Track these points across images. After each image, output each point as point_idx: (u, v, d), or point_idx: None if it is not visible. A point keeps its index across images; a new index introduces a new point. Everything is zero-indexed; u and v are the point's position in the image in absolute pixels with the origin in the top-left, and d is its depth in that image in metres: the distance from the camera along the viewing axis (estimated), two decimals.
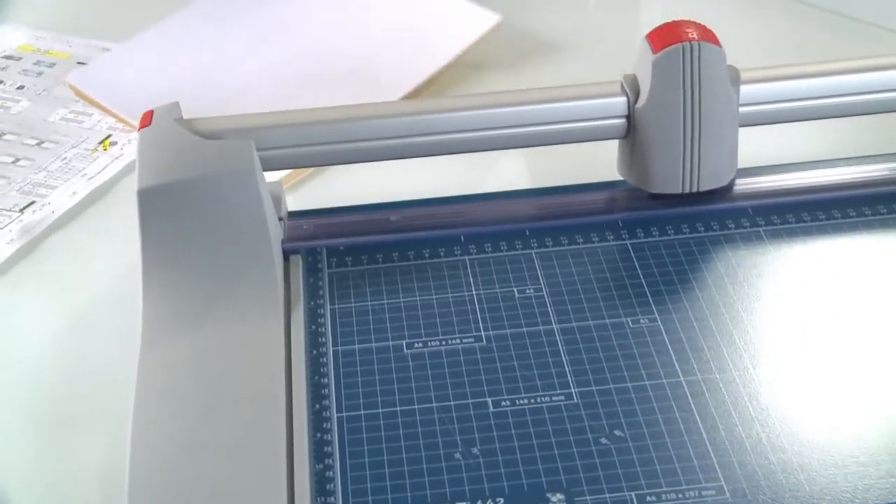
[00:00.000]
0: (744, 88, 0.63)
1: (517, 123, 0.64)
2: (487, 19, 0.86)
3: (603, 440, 0.52)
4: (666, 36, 0.63)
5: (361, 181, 0.71)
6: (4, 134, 0.80)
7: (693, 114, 0.62)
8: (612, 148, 0.66)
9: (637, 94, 0.63)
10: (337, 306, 0.60)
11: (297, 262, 0.62)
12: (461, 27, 0.86)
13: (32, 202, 0.73)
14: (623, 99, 0.64)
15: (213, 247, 0.59)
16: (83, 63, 0.87)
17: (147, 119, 0.63)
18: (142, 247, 0.59)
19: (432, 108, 0.63)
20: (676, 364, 0.55)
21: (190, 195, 0.59)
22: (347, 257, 0.63)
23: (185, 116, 0.63)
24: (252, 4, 0.90)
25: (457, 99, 0.64)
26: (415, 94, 0.80)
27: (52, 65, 0.88)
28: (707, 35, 0.62)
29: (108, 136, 0.79)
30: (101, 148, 0.78)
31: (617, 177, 0.66)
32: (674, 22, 0.63)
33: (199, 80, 0.82)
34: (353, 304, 0.60)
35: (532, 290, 0.60)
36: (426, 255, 0.63)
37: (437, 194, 0.70)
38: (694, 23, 0.63)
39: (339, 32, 0.87)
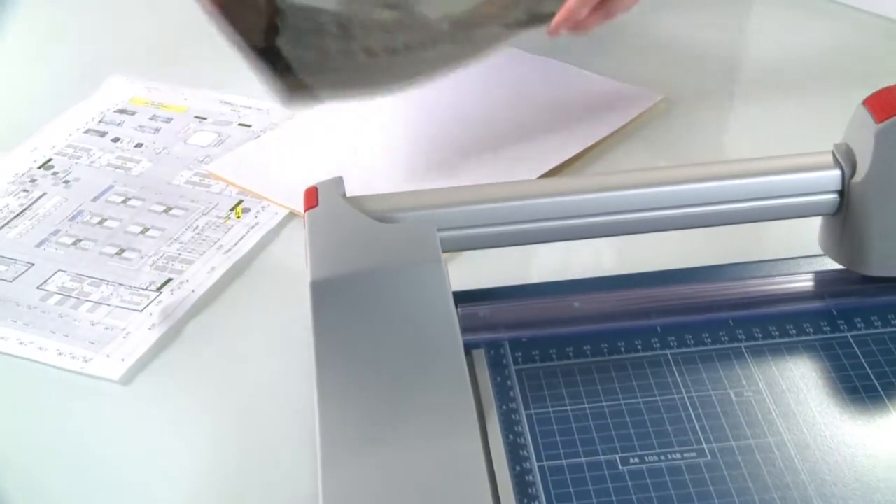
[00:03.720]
0: None
1: (715, 200, 0.58)
2: (648, 97, 0.81)
3: None
4: (890, 103, 0.56)
5: (507, 253, 0.66)
6: (129, 199, 0.74)
7: None
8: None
9: (853, 167, 0.57)
10: (533, 411, 0.53)
11: (481, 358, 0.56)
12: (622, 105, 0.81)
13: (169, 279, 0.67)
14: (837, 172, 0.58)
15: (394, 345, 0.53)
16: (201, 117, 0.82)
17: (313, 197, 0.57)
18: (315, 344, 0.53)
19: (628, 184, 0.57)
20: None
21: (369, 287, 0.54)
22: (533, 351, 0.57)
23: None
24: None
25: (652, 173, 0.58)
26: (567, 166, 0.75)
27: (168, 119, 0.83)
28: None
29: (240, 201, 0.73)
30: (233, 215, 0.72)
31: (811, 250, 0.61)
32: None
33: (343, 160, 0.77)
34: (550, 409, 0.53)
35: (751, 393, 0.54)
36: (621, 348, 0.57)
37: (601, 269, 0.64)
38: None
39: (487, 106, 0.82)
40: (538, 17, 0.78)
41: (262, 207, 0.73)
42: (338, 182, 0.58)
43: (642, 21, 0.95)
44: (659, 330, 0.57)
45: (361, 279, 0.54)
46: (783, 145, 0.76)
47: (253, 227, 0.71)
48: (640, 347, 0.57)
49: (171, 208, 0.73)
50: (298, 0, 0.77)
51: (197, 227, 0.71)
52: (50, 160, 0.78)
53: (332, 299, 0.54)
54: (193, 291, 0.66)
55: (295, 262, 0.68)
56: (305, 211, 0.57)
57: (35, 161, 0.78)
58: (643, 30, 0.93)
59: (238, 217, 0.72)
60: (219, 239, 0.70)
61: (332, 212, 0.56)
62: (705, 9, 0.95)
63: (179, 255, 0.69)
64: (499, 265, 0.65)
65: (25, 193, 0.75)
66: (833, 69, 0.85)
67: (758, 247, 0.66)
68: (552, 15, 0.75)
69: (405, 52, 0.78)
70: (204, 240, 0.70)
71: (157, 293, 0.66)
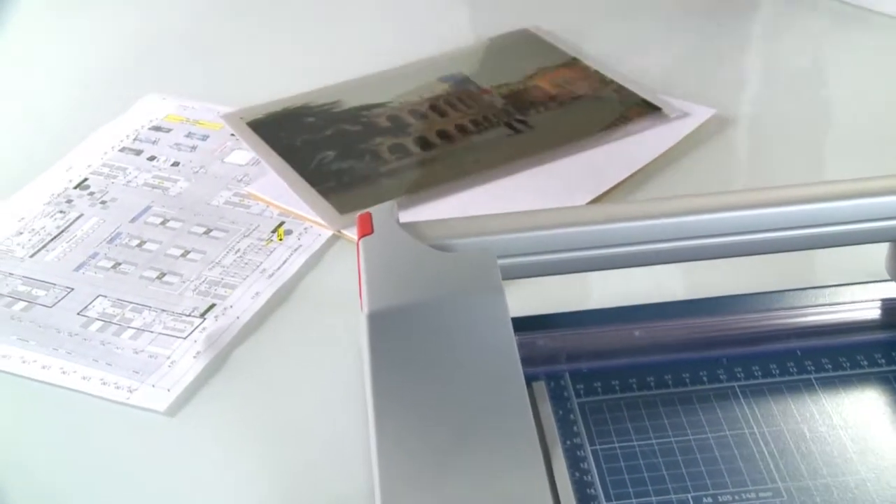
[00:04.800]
0: None
1: (779, 226, 0.56)
2: (700, 114, 0.79)
3: None
4: None
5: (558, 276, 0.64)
6: (168, 220, 0.73)
7: None
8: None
9: None
10: (599, 447, 0.52)
11: (542, 391, 0.55)
12: (672, 123, 0.79)
13: (212, 305, 0.65)
14: None
15: (453, 378, 0.51)
16: (237, 135, 0.80)
17: (367, 224, 0.55)
18: (372, 377, 0.51)
19: (694, 209, 0.55)
20: None
21: (427, 318, 0.52)
22: (595, 383, 0.55)
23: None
24: None
25: (717, 198, 0.56)
26: (617, 188, 0.73)
27: (204, 137, 0.81)
28: None
29: (282, 223, 0.72)
30: (275, 237, 0.71)
31: (874, 276, 0.59)
32: None
33: None
34: (616, 445, 0.52)
35: (825, 428, 0.52)
36: (686, 380, 0.55)
37: (659, 294, 0.62)
38: None
39: None
40: None
41: (305, 229, 0.71)
42: (391, 207, 0.57)
43: (686, 28, 0.93)
44: (724, 361, 0.56)
45: (419, 310, 0.52)
46: (846, 166, 0.74)
47: (296, 249, 0.69)
48: (705, 379, 0.55)
49: (211, 230, 0.72)
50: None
51: (238, 250, 0.70)
52: (86, 180, 0.77)
53: (389, 331, 0.52)
54: (238, 318, 0.64)
55: (340, 286, 0.67)
56: (360, 238, 0.55)
57: (70, 181, 0.77)
58: (689, 38, 0.92)
59: (280, 239, 0.70)
60: (261, 262, 0.68)
61: (388, 239, 0.54)
62: (758, 17, 0.94)
63: (222, 279, 0.67)
64: (550, 289, 0.63)
65: (62, 215, 0.73)
66: None
67: (820, 271, 0.64)
68: None
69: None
70: (246, 263, 0.68)
71: (201, 319, 0.64)
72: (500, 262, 0.54)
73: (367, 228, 0.55)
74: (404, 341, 0.52)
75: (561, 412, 0.54)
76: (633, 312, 0.59)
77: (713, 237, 0.55)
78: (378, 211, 0.57)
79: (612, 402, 0.54)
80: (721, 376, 0.55)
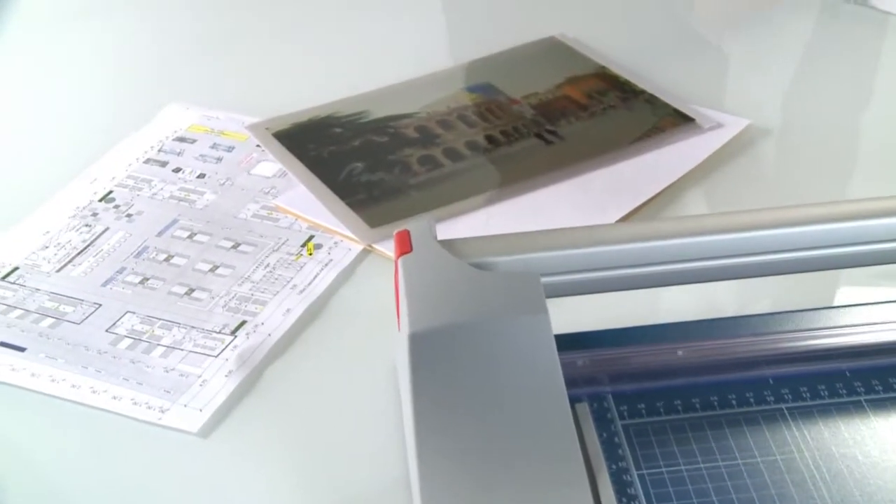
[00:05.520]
0: None
1: (827, 244, 0.55)
2: (734, 125, 0.78)
3: None
4: None
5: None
6: (195, 234, 0.71)
7: None
8: None
9: None
10: (646, 471, 0.50)
11: (585, 413, 0.54)
12: (705, 135, 0.78)
13: (243, 322, 0.64)
14: None
15: (496, 401, 0.50)
16: (263, 147, 0.79)
17: (405, 242, 0.54)
18: (413, 398, 0.50)
19: (747, 225, 0.54)
20: None
21: (470, 339, 0.50)
22: (639, 404, 0.54)
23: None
24: None
25: (766, 214, 0.55)
26: (653, 201, 0.72)
27: (230, 148, 0.80)
28: None
29: (311, 237, 0.71)
30: (305, 252, 0.69)
31: None
32: None
33: None
34: (664, 469, 0.50)
35: (878, 453, 0.50)
36: (732, 401, 0.54)
37: (698, 311, 0.61)
38: None
39: None
40: None
41: (335, 243, 0.70)
42: (430, 224, 0.55)
43: (717, 36, 0.92)
44: (771, 381, 0.54)
45: (462, 331, 0.50)
46: (886, 179, 0.73)
47: (326, 264, 0.68)
48: (752, 401, 0.54)
49: (239, 244, 0.70)
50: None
51: (268, 265, 0.68)
52: (111, 192, 0.75)
53: (431, 352, 0.50)
54: (270, 335, 0.63)
55: (372, 302, 0.66)
56: (399, 257, 0.54)
57: (95, 193, 0.75)
58: (721, 46, 0.91)
59: (310, 254, 0.69)
60: (291, 278, 0.67)
61: (428, 258, 0.53)
62: (794, 26, 0.92)
63: (252, 295, 0.66)
64: (585, 304, 0.62)
65: (88, 228, 0.72)
66: None
67: (871, 287, 0.63)
68: None
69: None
70: (276, 279, 0.67)
71: (232, 337, 0.63)
72: (544, 280, 0.53)
73: (405, 247, 0.54)
74: (446, 363, 0.51)
75: (605, 435, 0.52)
76: (675, 330, 0.58)
77: (762, 254, 0.54)
78: (416, 228, 0.55)
79: (658, 425, 0.53)
80: (768, 398, 0.54)
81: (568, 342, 0.57)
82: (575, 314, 0.61)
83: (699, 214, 0.56)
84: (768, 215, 0.55)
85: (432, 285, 0.52)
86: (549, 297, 0.54)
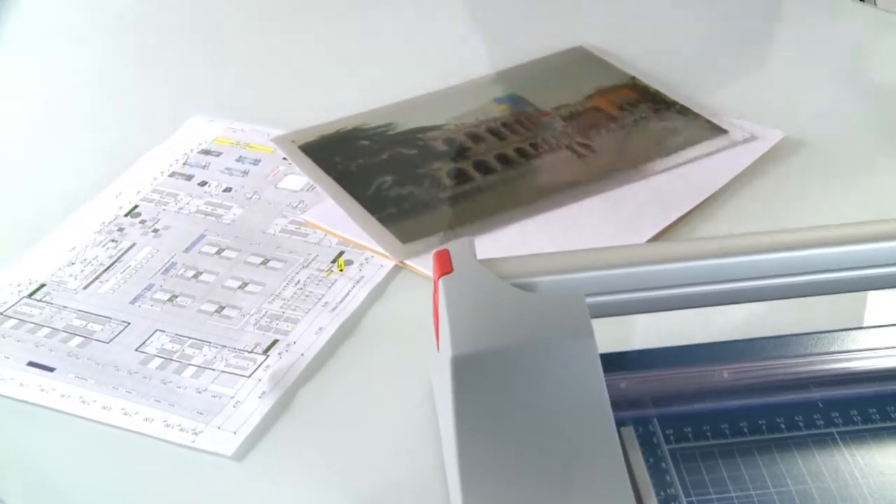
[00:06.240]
0: None
1: (878, 263, 0.53)
2: (769, 137, 0.77)
3: None
4: None
5: None
6: (223, 249, 0.70)
7: None
8: None
9: None
10: (696, 498, 0.49)
11: (631, 437, 0.52)
12: (739, 148, 0.77)
13: (275, 341, 0.63)
14: None
15: (541, 427, 0.49)
16: (289, 159, 0.78)
17: (445, 262, 0.53)
18: (456, 424, 0.49)
19: (795, 243, 0.53)
20: None
21: (515, 363, 0.49)
22: (685, 428, 0.53)
23: None
24: None
25: (818, 232, 0.53)
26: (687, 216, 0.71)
27: (256, 161, 0.79)
28: None
29: (341, 252, 0.69)
30: (335, 268, 0.68)
31: None
32: None
33: None
34: (714, 497, 0.49)
35: None
36: (781, 425, 0.52)
37: (743, 329, 0.59)
38: None
39: None
40: None
41: (366, 259, 0.69)
42: (469, 243, 0.54)
43: (749, 45, 0.91)
44: (820, 405, 0.53)
45: (507, 354, 0.49)
46: None
47: (358, 281, 0.67)
48: (801, 425, 0.52)
49: (268, 260, 0.69)
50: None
51: (298, 282, 0.67)
52: (136, 207, 0.74)
53: (475, 376, 0.49)
54: (303, 355, 0.62)
55: (405, 320, 0.65)
56: (439, 277, 0.52)
57: (121, 208, 0.74)
58: (753, 55, 0.89)
59: (341, 270, 0.68)
60: (323, 295, 0.66)
61: (469, 278, 0.52)
62: (828, 34, 0.91)
63: (283, 313, 0.65)
64: (624, 323, 0.61)
65: (114, 244, 0.71)
66: None
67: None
68: None
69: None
70: (307, 296, 0.66)
71: (264, 356, 0.62)
72: (588, 300, 0.52)
73: (446, 267, 0.53)
74: (490, 387, 0.49)
75: (652, 460, 0.51)
76: (717, 351, 0.57)
77: (812, 273, 0.52)
78: (455, 247, 0.54)
79: (705, 450, 0.52)
80: (818, 421, 0.52)
81: (609, 362, 0.56)
82: (613, 330, 0.60)
83: (747, 233, 0.55)
84: (819, 233, 0.54)
85: (475, 307, 0.51)
86: (592, 317, 0.53)
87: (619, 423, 0.53)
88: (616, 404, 0.53)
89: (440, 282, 0.52)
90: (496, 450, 0.49)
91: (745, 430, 0.52)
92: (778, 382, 0.54)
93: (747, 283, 0.53)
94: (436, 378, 0.57)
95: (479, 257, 0.54)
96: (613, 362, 0.56)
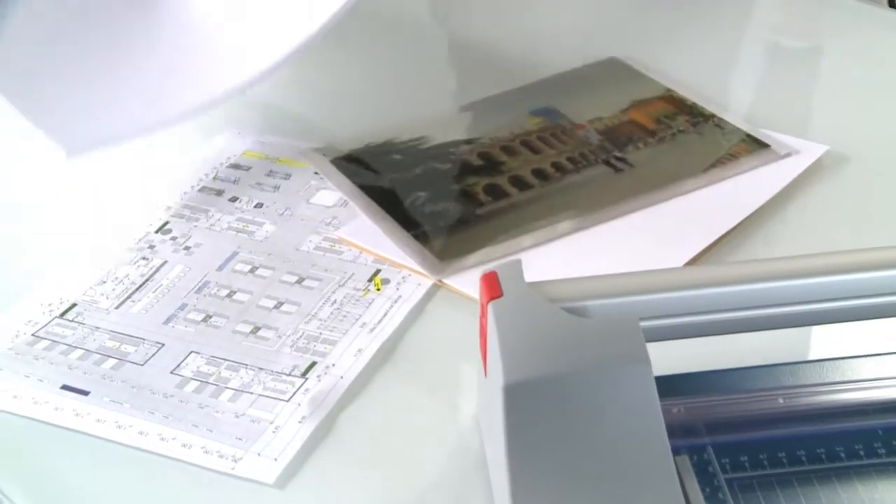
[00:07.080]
0: None
1: None
2: (812, 151, 0.75)
3: None
4: None
5: None
6: (256, 268, 0.69)
7: None
8: None
9: None
10: None
11: (686, 466, 0.51)
12: (781, 161, 0.75)
13: (313, 363, 0.62)
14: None
15: (595, 456, 0.48)
16: (321, 174, 0.77)
17: (494, 285, 0.52)
18: (508, 454, 0.48)
19: (855, 266, 0.51)
20: None
21: (569, 391, 0.48)
22: (742, 457, 0.51)
23: None
24: None
25: (875, 253, 0.52)
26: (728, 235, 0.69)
27: (287, 175, 0.77)
28: None
29: (378, 270, 0.68)
30: (372, 287, 0.67)
31: None
32: None
33: None
34: None
35: None
36: (841, 454, 0.51)
37: (796, 351, 0.58)
38: None
39: None
40: None
41: (403, 278, 0.67)
42: (517, 266, 0.53)
43: (789, 55, 0.89)
44: (880, 432, 0.52)
45: (560, 382, 0.48)
46: None
47: (396, 301, 0.66)
48: (862, 454, 0.51)
49: (303, 279, 0.68)
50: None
51: (335, 302, 0.66)
52: (167, 223, 0.73)
53: (528, 404, 0.48)
54: (342, 378, 0.60)
55: (445, 341, 0.63)
56: (488, 301, 0.51)
57: (151, 224, 0.73)
58: (793, 65, 0.87)
59: (378, 289, 0.67)
60: (360, 315, 0.65)
61: (519, 303, 0.51)
62: (869, 42, 0.89)
63: (320, 334, 0.64)
64: (676, 343, 0.59)
65: (145, 262, 0.70)
66: None
67: None
68: None
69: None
70: (344, 316, 0.65)
71: (303, 379, 0.61)
72: (643, 324, 0.50)
73: (495, 291, 0.51)
74: (543, 415, 0.48)
75: (708, 490, 0.50)
76: (770, 375, 0.55)
77: (873, 297, 0.51)
78: (503, 269, 0.53)
79: (764, 480, 0.50)
80: (879, 450, 0.51)
81: (661, 386, 0.54)
82: (663, 351, 0.58)
83: (804, 254, 0.53)
84: (875, 255, 0.53)
85: (526, 333, 0.50)
86: (649, 341, 0.52)
87: (674, 451, 0.51)
88: (670, 431, 0.52)
89: (489, 306, 0.51)
90: (550, 480, 0.48)
91: (804, 458, 0.51)
92: (836, 409, 0.53)
93: (805, 306, 0.51)
94: (483, 405, 0.55)
95: (526, 279, 0.52)
96: (665, 386, 0.55)
